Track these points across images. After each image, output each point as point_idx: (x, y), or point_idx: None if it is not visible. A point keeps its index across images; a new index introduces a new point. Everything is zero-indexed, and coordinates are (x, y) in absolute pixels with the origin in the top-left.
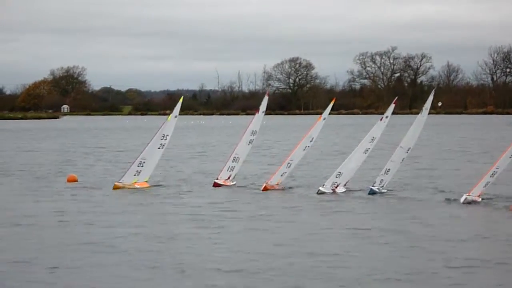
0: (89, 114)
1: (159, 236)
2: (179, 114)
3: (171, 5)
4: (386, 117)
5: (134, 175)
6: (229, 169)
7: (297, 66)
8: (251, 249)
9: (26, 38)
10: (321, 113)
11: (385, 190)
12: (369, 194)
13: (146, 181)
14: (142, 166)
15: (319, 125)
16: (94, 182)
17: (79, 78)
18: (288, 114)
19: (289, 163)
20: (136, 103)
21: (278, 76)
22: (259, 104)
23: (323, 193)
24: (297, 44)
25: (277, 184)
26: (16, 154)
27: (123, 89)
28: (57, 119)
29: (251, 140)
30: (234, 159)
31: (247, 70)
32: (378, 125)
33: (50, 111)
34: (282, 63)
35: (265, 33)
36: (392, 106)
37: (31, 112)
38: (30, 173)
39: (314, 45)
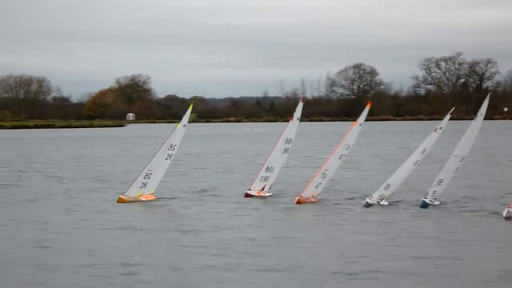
0: (154, 122)
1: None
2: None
3: (236, 13)
4: (440, 128)
5: (140, 187)
6: (263, 179)
7: (361, 72)
8: None
9: (93, 47)
10: (386, 119)
11: (438, 202)
12: (421, 207)
13: (152, 193)
14: (149, 178)
15: (355, 132)
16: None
17: (144, 86)
18: (353, 120)
19: (324, 173)
20: (200, 111)
21: (342, 83)
22: (321, 110)
23: (370, 205)
24: (361, 50)
25: (313, 196)
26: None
27: (187, 96)
28: (123, 127)
29: (286, 148)
30: (267, 169)
31: (311, 76)
32: (432, 137)
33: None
34: (346, 69)
35: (329, 39)
36: (448, 116)
37: (97, 120)
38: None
39: (378, 50)
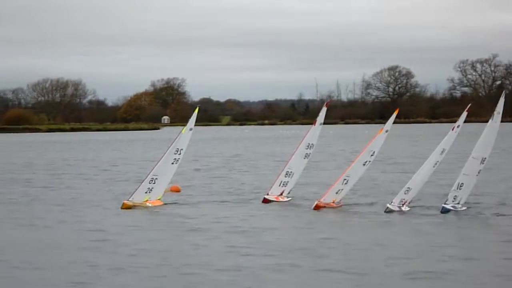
0: None
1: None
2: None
3: (273, 16)
4: (458, 126)
5: (146, 192)
6: (282, 184)
7: (397, 74)
8: None
9: (129, 50)
10: (422, 122)
11: (464, 208)
12: (441, 212)
13: (159, 199)
14: (154, 183)
15: (381, 139)
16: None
17: (179, 89)
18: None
19: (345, 179)
20: (234, 114)
21: (377, 85)
22: (356, 112)
23: (391, 211)
24: (397, 52)
25: (333, 202)
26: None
27: (222, 99)
28: (158, 130)
29: (307, 154)
30: (287, 174)
31: (346, 79)
32: (450, 136)
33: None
34: (381, 71)
35: (365, 41)
36: (465, 114)
37: (132, 123)
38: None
39: (414, 53)
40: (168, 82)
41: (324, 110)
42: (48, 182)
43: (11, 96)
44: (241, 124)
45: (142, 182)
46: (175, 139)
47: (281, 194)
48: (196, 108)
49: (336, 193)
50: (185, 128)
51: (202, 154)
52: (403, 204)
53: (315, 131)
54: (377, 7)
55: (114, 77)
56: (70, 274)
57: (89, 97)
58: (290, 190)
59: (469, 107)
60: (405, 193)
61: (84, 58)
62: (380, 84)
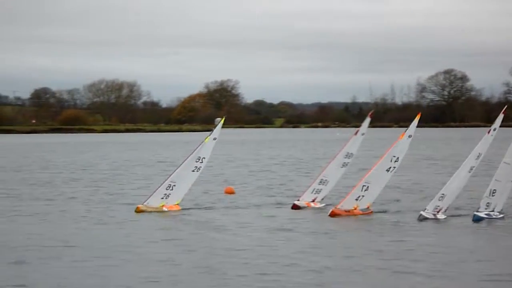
0: (242, 127)
1: None
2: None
3: (327, 18)
4: (494, 129)
5: (162, 198)
6: (314, 192)
7: (452, 78)
8: None
9: (184, 51)
10: (479, 126)
11: (501, 215)
12: (474, 221)
13: (178, 204)
14: (172, 189)
15: (403, 144)
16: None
17: (233, 91)
18: (443, 126)
19: (364, 185)
20: (288, 116)
21: (432, 88)
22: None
23: (425, 219)
24: (452, 55)
25: (355, 209)
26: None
27: (275, 101)
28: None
29: (345, 163)
30: (321, 182)
31: (401, 82)
32: (486, 139)
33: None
34: (436, 74)
35: (420, 44)
36: (501, 116)
37: (186, 124)
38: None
39: (470, 56)
40: (222, 84)
41: (367, 121)
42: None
43: (67, 97)
44: (294, 127)
45: (158, 188)
46: (197, 147)
47: (313, 200)
48: (222, 118)
49: (356, 199)
50: (208, 137)
51: (257, 155)
52: (438, 211)
53: (356, 141)
54: (434, 10)
55: (169, 79)
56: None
57: (144, 98)
58: (324, 197)
59: (505, 109)
60: (439, 200)
61: (139, 60)
62: (435, 88)
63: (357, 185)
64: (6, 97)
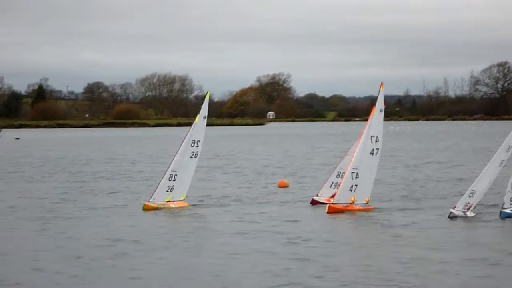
0: (294, 120)
1: None
2: None
3: (380, 12)
4: None
5: (167, 191)
6: (333, 186)
7: (506, 70)
8: None
9: (235, 46)
10: None
11: None
12: (501, 218)
13: (183, 200)
14: (174, 180)
15: (378, 119)
16: None
17: (285, 84)
18: (496, 119)
19: (353, 172)
20: (340, 109)
21: (485, 81)
22: (467, 109)
23: (455, 216)
24: (506, 48)
25: (352, 202)
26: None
27: (327, 95)
28: (263, 126)
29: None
30: (338, 175)
31: (454, 75)
32: None
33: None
34: (490, 67)
35: (474, 37)
36: None
37: (237, 118)
38: None
39: None
40: (273, 77)
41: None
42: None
43: (120, 91)
44: (346, 120)
45: (161, 180)
46: (189, 130)
47: (333, 196)
48: (207, 93)
49: (350, 190)
50: (198, 116)
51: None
52: (468, 209)
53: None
54: (487, 3)
55: (221, 73)
56: None
57: (196, 92)
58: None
59: None
60: (469, 197)
61: (192, 54)
62: (489, 80)
63: (344, 174)
64: (60, 91)
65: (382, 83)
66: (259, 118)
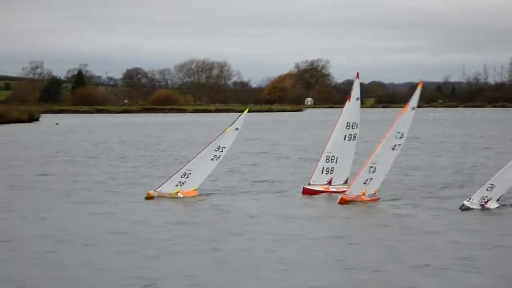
0: (332, 107)
1: None
2: None
3: None
4: None
5: (176, 185)
6: (324, 172)
7: None
8: None
9: (273, 32)
10: None
11: None
12: None
13: (195, 190)
14: (187, 177)
15: (407, 118)
16: None
17: (323, 71)
18: None
19: (371, 166)
20: (378, 95)
21: None
22: (507, 95)
23: (468, 209)
24: None
25: (363, 194)
26: None
27: (366, 81)
28: (302, 112)
29: (351, 135)
30: (327, 159)
31: (494, 61)
32: None
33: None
34: None
35: None
36: None
37: (275, 104)
38: None
39: None
40: (312, 63)
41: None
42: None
43: (158, 77)
44: (384, 107)
45: (172, 175)
46: (217, 136)
47: (329, 182)
48: (246, 109)
49: (364, 183)
50: (230, 127)
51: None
52: (486, 202)
53: (355, 108)
54: None
55: (259, 59)
56: None
57: (234, 78)
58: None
59: None
60: (487, 190)
61: (230, 40)
62: None
63: (363, 167)
64: (99, 77)
65: (420, 82)
66: (297, 104)
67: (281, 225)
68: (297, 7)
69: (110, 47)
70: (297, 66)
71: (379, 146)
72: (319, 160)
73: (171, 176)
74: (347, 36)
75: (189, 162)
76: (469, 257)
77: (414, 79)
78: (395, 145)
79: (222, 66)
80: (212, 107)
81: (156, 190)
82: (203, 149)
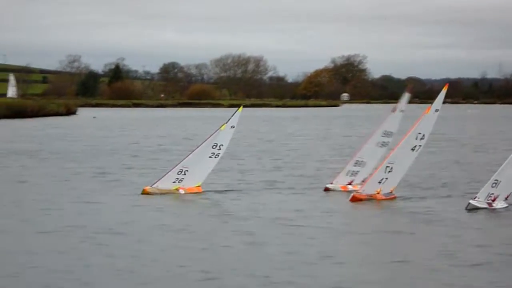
0: (369, 102)
1: None
2: None
3: None
4: None
5: (173, 182)
6: (350, 174)
7: None
8: None
9: (310, 27)
10: None
11: None
12: None
13: (199, 186)
14: (184, 174)
15: (429, 119)
16: None
17: (359, 66)
18: None
19: (388, 166)
20: (415, 92)
21: None
22: None
23: (475, 208)
24: None
25: (378, 193)
26: None
27: (403, 77)
28: (338, 107)
29: (384, 142)
30: (356, 163)
31: None
32: None
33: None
34: None
35: None
36: None
37: (311, 100)
38: None
39: None
40: (348, 58)
41: (406, 96)
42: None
43: (195, 71)
44: (421, 102)
45: (168, 172)
46: (212, 134)
47: (350, 183)
48: (240, 107)
49: (379, 182)
50: (225, 125)
51: None
52: (493, 200)
53: (395, 119)
54: None
55: (295, 54)
56: None
57: (270, 73)
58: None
59: None
60: (492, 187)
61: (266, 35)
62: None
63: (379, 167)
64: (136, 71)
65: (447, 85)
66: (333, 99)
67: (325, 220)
68: (335, 2)
69: (147, 42)
70: (333, 61)
71: (397, 147)
72: (348, 163)
73: (167, 173)
74: (384, 32)
75: (184, 159)
76: None
77: (451, 75)
78: (414, 146)
79: (258, 61)
80: (248, 101)
81: (153, 186)
82: (198, 147)
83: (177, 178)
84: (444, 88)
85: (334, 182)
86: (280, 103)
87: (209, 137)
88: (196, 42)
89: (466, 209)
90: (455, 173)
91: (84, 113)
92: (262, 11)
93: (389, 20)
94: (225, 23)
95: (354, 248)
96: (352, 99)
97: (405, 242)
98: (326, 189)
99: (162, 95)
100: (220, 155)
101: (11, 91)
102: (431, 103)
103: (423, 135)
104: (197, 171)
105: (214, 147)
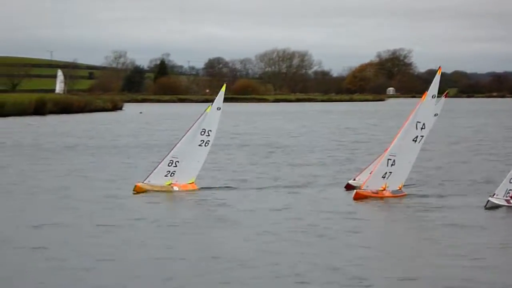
0: (414, 97)
1: None
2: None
3: None
4: None
5: (165, 175)
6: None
7: None
8: None
9: (355, 21)
10: None
11: None
12: None
13: (193, 182)
14: (176, 166)
15: (427, 107)
16: None
17: (405, 60)
18: None
19: (389, 159)
20: (461, 85)
21: None
22: None
23: (494, 206)
24: None
25: (384, 189)
26: None
27: (449, 71)
28: (383, 102)
29: (417, 136)
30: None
31: None
32: None
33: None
34: None
35: None
36: None
37: (356, 94)
38: None
39: None
40: (394, 53)
41: (443, 100)
42: None
43: (239, 66)
44: (468, 97)
45: (158, 165)
46: (198, 118)
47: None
48: (223, 85)
49: (383, 177)
50: (210, 106)
51: None
52: (511, 197)
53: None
54: None
55: (340, 48)
56: None
57: (315, 68)
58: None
59: None
60: (510, 182)
61: (311, 29)
62: None
63: (380, 160)
64: (181, 66)
65: (440, 68)
66: (378, 94)
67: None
68: None
69: (192, 37)
70: (378, 56)
71: (396, 137)
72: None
73: (157, 166)
74: (429, 26)
75: (172, 148)
76: None
77: (497, 69)
78: (416, 137)
79: (303, 56)
80: (293, 96)
81: (145, 182)
82: (185, 133)
83: (169, 171)
84: (438, 72)
85: (356, 179)
86: (325, 97)
87: (195, 122)
88: (241, 37)
89: (485, 207)
90: (473, 168)
91: (130, 109)
92: (307, 5)
93: (434, 13)
94: (270, 18)
95: (357, 251)
96: (398, 94)
97: (432, 246)
98: (349, 187)
99: (207, 90)
100: (210, 142)
101: (59, 87)
102: (477, 97)
103: (423, 124)
104: (189, 163)
105: (202, 133)
